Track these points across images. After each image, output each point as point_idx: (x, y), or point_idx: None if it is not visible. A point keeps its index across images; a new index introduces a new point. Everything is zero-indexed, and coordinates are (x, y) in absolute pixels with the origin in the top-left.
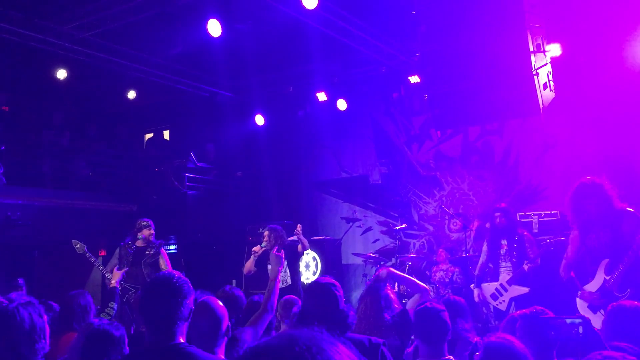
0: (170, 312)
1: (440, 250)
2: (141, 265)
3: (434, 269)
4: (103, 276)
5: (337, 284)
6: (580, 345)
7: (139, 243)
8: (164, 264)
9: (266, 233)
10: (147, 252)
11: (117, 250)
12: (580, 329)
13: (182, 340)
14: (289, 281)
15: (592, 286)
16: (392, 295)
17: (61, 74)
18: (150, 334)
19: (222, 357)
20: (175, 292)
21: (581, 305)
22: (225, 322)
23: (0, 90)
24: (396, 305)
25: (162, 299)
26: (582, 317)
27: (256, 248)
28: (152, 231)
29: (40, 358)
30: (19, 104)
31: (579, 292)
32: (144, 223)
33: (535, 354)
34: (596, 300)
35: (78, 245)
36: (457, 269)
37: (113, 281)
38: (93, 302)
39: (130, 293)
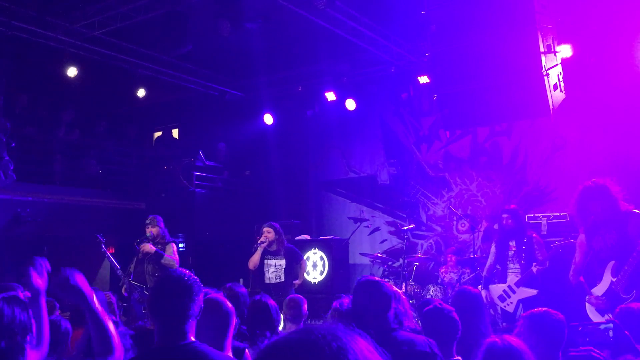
0: (181, 310)
1: (450, 255)
2: (144, 262)
3: (442, 270)
4: (111, 272)
5: (387, 283)
6: (612, 348)
7: (146, 241)
8: (167, 260)
9: (266, 230)
10: None
11: None
12: (611, 333)
13: (192, 339)
14: (282, 278)
15: (600, 288)
16: (407, 304)
17: (71, 71)
18: (160, 333)
19: (230, 354)
20: (185, 290)
21: (590, 309)
22: (233, 320)
23: (21, 91)
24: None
25: (172, 297)
26: (613, 322)
27: (263, 238)
28: (153, 228)
29: (27, 351)
30: (29, 101)
31: (587, 297)
32: (146, 221)
33: (541, 354)
34: (603, 304)
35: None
36: (466, 271)
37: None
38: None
39: (137, 291)
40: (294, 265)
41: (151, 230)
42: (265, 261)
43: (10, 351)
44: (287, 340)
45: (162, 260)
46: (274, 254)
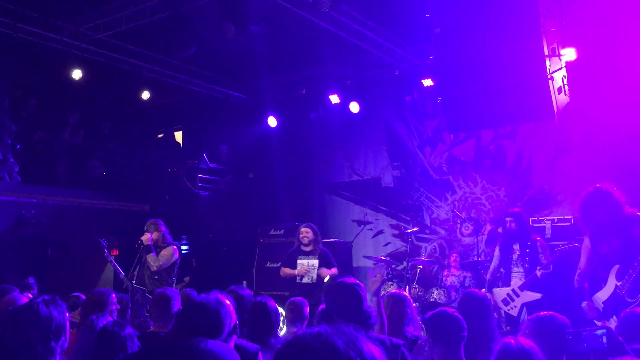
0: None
1: (454, 254)
2: (145, 266)
3: (445, 273)
4: (115, 274)
5: (362, 284)
6: (605, 353)
7: (145, 243)
8: (152, 258)
9: (305, 230)
10: None
11: None
12: (604, 339)
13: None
14: (314, 279)
15: (604, 292)
16: (415, 312)
17: (76, 74)
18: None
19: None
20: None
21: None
22: (233, 320)
23: (27, 94)
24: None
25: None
26: (605, 327)
27: (302, 239)
28: (152, 233)
29: (57, 355)
30: (35, 103)
31: (584, 303)
32: (144, 227)
33: (546, 357)
34: (596, 314)
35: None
36: (469, 274)
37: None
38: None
39: (139, 294)
40: (327, 262)
41: (156, 236)
42: (298, 260)
43: (44, 356)
44: (305, 336)
45: (147, 256)
46: (309, 254)
